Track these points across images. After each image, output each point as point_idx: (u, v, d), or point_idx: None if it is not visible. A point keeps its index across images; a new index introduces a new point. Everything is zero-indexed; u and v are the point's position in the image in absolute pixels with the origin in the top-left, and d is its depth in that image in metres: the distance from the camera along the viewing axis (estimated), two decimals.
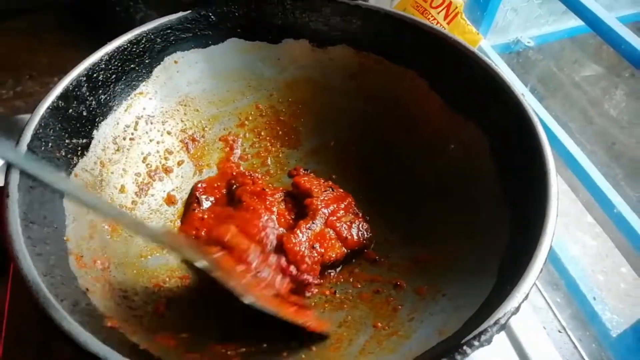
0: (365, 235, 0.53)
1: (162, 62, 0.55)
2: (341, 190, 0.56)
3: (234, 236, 0.49)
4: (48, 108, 0.44)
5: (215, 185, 0.58)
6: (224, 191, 0.58)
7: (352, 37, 0.58)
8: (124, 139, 0.52)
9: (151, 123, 0.55)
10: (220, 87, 0.60)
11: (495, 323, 0.34)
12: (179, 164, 0.57)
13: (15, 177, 0.39)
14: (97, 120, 0.50)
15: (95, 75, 0.49)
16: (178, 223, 0.55)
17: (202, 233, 0.52)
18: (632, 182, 0.78)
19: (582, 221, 0.73)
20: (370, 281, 0.50)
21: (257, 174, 0.59)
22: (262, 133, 0.62)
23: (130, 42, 0.51)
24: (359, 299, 0.49)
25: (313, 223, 0.51)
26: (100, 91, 0.50)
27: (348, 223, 0.52)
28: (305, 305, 0.47)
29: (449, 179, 0.52)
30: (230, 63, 0.59)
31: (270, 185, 0.58)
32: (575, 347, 0.59)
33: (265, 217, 0.52)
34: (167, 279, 0.49)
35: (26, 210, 0.39)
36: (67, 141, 0.46)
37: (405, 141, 0.57)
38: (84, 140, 0.48)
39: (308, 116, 0.62)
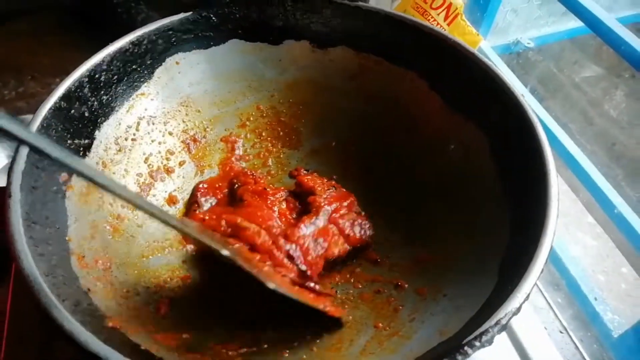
0: (368, 233, 0.53)
1: (163, 63, 0.55)
2: (344, 190, 0.56)
3: (244, 220, 0.49)
4: (50, 109, 0.44)
5: (217, 185, 0.58)
6: (225, 191, 0.58)
7: (352, 38, 0.58)
8: (126, 139, 0.53)
9: (153, 124, 0.55)
10: (221, 88, 0.60)
11: (497, 323, 0.34)
12: (181, 164, 0.57)
13: (17, 177, 0.39)
14: (99, 120, 0.50)
15: (97, 76, 0.49)
16: None
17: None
18: (632, 182, 0.78)
19: (583, 221, 0.73)
20: (371, 281, 0.50)
21: (258, 174, 0.60)
22: (263, 134, 0.62)
23: (132, 43, 0.51)
24: (360, 300, 0.49)
25: (317, 219, 0.51)
26: (102, 92, 0.50)
27: (351, 221, 0.53)
28: (322, 292, 0.47)
29: (449, 179, 0.52)
30: (231, 64, 0.59)
31: (271, 185, 0.58)
32: (577, 347, 0.59)
33: (266, 216, 0.52)
34: (169, 279, 0.49)
35: (28, 211, 0.39)
36: (69, 142, 0.46)
37: (405, 141, 0.57)
38: (86, 141, 0.48)
39: (309, 117, 0.62)
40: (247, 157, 0.61)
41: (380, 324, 0.44)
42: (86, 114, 0.48)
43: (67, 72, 0.47)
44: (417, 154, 0.56)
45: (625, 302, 0.64)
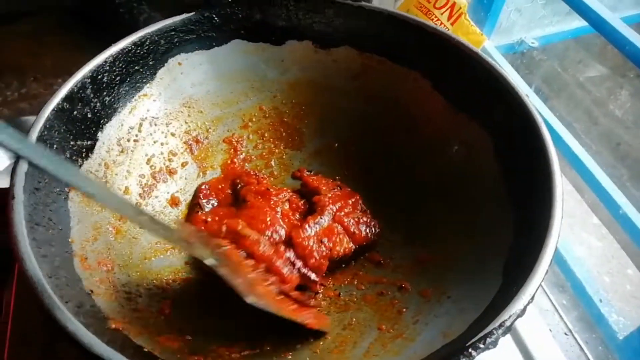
0: (374, 231, 0.53)
1: (166, 64, 0.55)
2: (349, 189, 0.56)
3: (245, 227, 0.49)
4: (53, 110, 0.44)
5: (219, 186, 0.58)
6: (228, 192, 0.58)
7: (355, 38, 0.58)
8: (128, 140, 0.52)
9: (155, 125, 0.55)
10: (223, 89, 0.60)
11: (501, 325, 0.33)
12: (183, 165, 0.57)
13: (20, 178, 0.39)
14: (101, 122, 0.50)
15: (99, 77, 0.49)
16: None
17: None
18: (637, 182, 0.77)
19: (588, 222, 0.72)
20: (375, 283, 0.50)
21: (261, 175, 0.60)
22: (266, 134, 0.62)
23: (134, 44, 0.51)
24: (364, 301, 0.48)
25: (321, 218, 0.51)
26: (105, 93, 0.50)
27: (356, 219, 0.52)
28: (307, 302, 0.47)
29: (450, 179, 0.52)
30: (233, 64, 0.59)
31: (274, 186, 0.58)
32: (582, 349, 0.58)
33: (269, 218, 0.52)
34: (171, 281, 0.49)
35: (31, 212, 0.39)
36: (71, 143, 0.46)
37: (405, 141, 0.57)
38: (89, 142, 0.48)
39: (311, 117, 0.62)
40: (249, 158, 0.61)
41: (384, 326, 0.44)
42: (89, 115, 0.48)
43: (69, 73, 0.47)
44: (418, 154, 0.56)
45: (631, 304, 0.64)
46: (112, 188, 0.50)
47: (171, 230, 0.41)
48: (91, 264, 0.43)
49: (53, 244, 0.40)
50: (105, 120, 0.50)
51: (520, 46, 0.88)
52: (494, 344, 0.33)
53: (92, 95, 0.48)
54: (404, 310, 0.46)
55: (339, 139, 0.61)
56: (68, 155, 0.46)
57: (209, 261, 0.41)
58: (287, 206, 0.54)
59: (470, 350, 0.33)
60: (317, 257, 0.49)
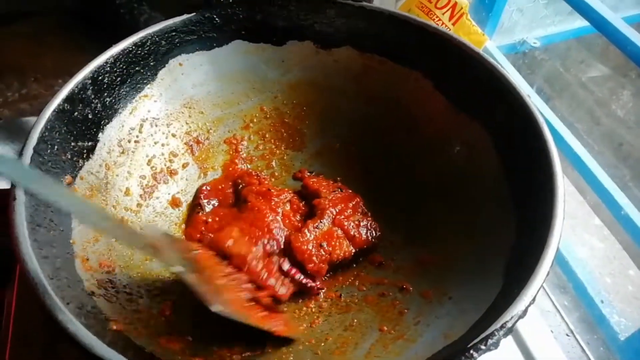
0: (374, 234, 0.53)
1: (166, 65, 0.55)
2: (350, 191, 0.56)
3: (236, 241, 0.48)
4: (54, 111, 0.44)
5: (220, 187, 0.58)
6: (229, 192, 0.58)
7: (356, 38, 0.57)
8: (129, 141, 0.52)
9: (156, 125, 0.55)
10: (224, 89, 0.60)
11: (502, 327, 0.33)
12: (184, 166, 0.57)
13: None
14: (102, 123, 0.50)
15: (100, 78, 0.49)
16: (183, 226, 0.55)
17: (206, 236, 0.52)
18: (639, 183, 0.77)
19: (590, 223, 0.72)
20: (376, 284, 0.50)
21: (262, 175, 0.60)
22: (267, 135, 0.62)
23: (135, 44, 0.51)
24: (365, 303, 0.48)
25: (321, 222, 0.51)
26: (106, 94, 0.50)
27: (356, 222, 0.52)
28: (277, 309, 0.46)
29: (450, 179, 0.52)
30: (234, 65, 0.59)
31: (275, 187, 0.58)
32: (583, 350, 0.58)
33: (270, 218, 0.52)
34: (173, 282, 0.49)
35: (32, 213, 0.39)
36: (72, 144, 0.46)
37: (409, 142, 0.57)
38: (90, 143, 0.48)
39: (312, 118, 0.62)
40: (250, 159, 0.61)
41: (385, 327, 0.44)
42: (89, 116, 0.48)
43: (69, 74, 0.47)
44: (419, 154, 0.56)
45: (632, 305, 0.63)
46: (111, 189, 0.50)
47: (136, 236, 0.40)
48: (92, 265, 0.43)
49: (54, 245, 0.40)
50: (106, 121, 0.50)
51: (522, 46, 0.88)
52: (496, 345, 0.33)
53: (92, 96, 0.48)
54: (405, 311, 0.45)
55: (340, 139, 0.61)
56: (69, 156, 0.46)
57: (176, 268, 0.40)
58: (288, 207, 0.54)
59: (471, 351, 0.33)
60: (317, 262, 0.49)
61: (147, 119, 0.54)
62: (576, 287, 0.63)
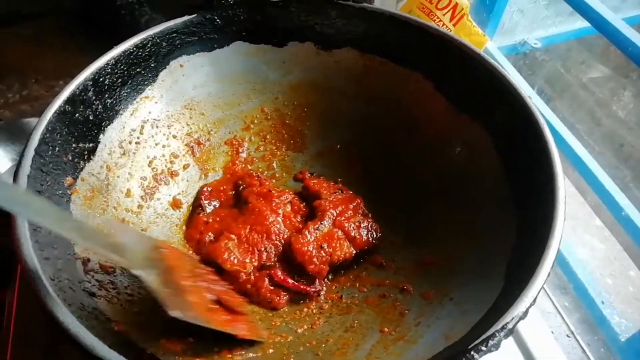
0: (375, 235, 0.53)
1: (167, 66, 0.55)
2: (350, 192, 0.56)
3: (231, 254, 0.49)
4: (55, 112, 0.44)
5: (221, 188, 0.58)
6: (230, 193, 0.58)
7: (357, 39, 0.57)
8: (130, 142, 0.53)
9: (157, 127, 0.55)
10: (225, 91, 0.60)
11: (503, 328, 0.33)
12: (185, 167, 0.57)
13: (22, 181, 0.40)
14: (103, 124, 0.50)
15: (101, 79, 0.49)
16: (184, 227, 0.55)
17: (206, 238, 0.52)
18: None
19: (590, 224, 0.72)
20: (377, 285, 0.50)
21: (263, 176, 0.60)
22: (268, 136, 0.62)
23: (136, 46, 0.51)
24: (366, 304, 0.48)
25: (321, 224, 0.51)
26: (107, 95, 0.50)
27: (357, 223, 0.52)
28: (242, 311, 0.46)
29: (453, 180, 0.52)
30: (235, 66, 0.59)
31: (276, 188, 0.58)
32: (584, 351, 0.58)
33: (271, 219, 0.52)
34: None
35: None
36: (73, 145, 0.46)
37: (410, 142, 0.57)
38: (91, 145, 0.48)
39: (313, 119, 0.62)
40: (251, 160, 0.61)
41: (386, 329, 0.44)
42: (91, 118, 0.48)
43: (70, 75, 0.47)
44: (420, 155, 0.56)
45: (633, 306, 0.63)
46: (112, 191, 0.50)
47: (97, 235, 0.38)
48: (93, 266, 0.43)
49: (55, 247, 0.40)
50: (107, 122, 0.50)
51: (523, 47, 0.88)
52: (496, 346, 0.33)
53: (93, 98, 0.48)
54: (406, 312, 0.45)
55: (341, 140, 0.61)
56: (70, 158, 0.46)
57: (136, 271, 0.39)
58: (289, 208, 0.54)
59: (472, 352, 0.33)
60: (317, 263, 0.49)
61: (148, 120, 0.54)
62: (577, 288, 0.63)
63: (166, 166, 0.56)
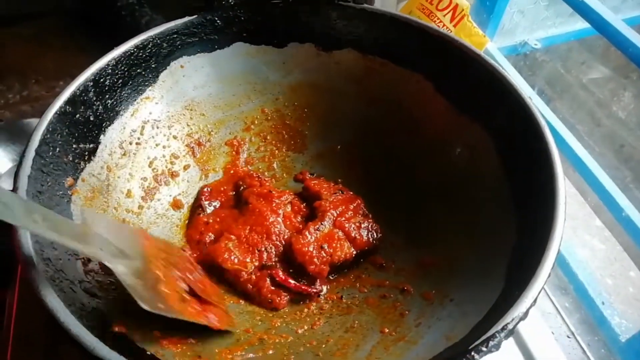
0: (375, 236, 0.53)
1: (168, 67, 0.55)
2: (351, 193, 0.56)
3: (231, 254, 0.49)
4: (56, 113, 0.44)
5: (222, 189, 0.58)
6: (230, 194, 0.58)
7: (357, 40, 0.58)
8: (131, 143, 0.53)
9: (157, 127, 0.55)
10: (226, 91, 0.60)
11: (503, 328, 0.33)
12: (185, 168, 0.57)
13: (23, 182, 0.40)
14: (103, 125, 0.50)
15: (102, 80, 0.49)
16: (184, 228, 0.55)
17: (207, 238, 0.52)
18: None
19: (591, 225, 0.72)
20: (377, 286, 0.50)
21: (264, 177, 0.60)
22: (268, 137, 0.62)
23: (136, 46, 0.51)
24: (366, 304, 0.48)
25: (321, 224, 0.51)
26: (107, 96, 0.50)
27: (357, 224, 0.52)
28: (213, 300, 0.45)
29: (452, 181, 0.52)
30: (236, 67, 0.59)
31: (276, 189, 0.58)
32: (584, 352, 0.58)
33: (271, 219, 0.52)
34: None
35: None
36: (74, 146, 0.46)
37: (410, 143, 0.57)
38: (91, 145, 0.48)
39: (314, 120, 0.62)
40: (251, 161, 0.61)
41: (386, 329, 0.44)
42: (91, 118, 0.48)
43: (71, 76, 0.47)
44: (420, 156, 0.56)
45: (633, 306, 0.63)
46: (113, 191, 0.50)
47: (66, 225, 0.36)
48: (94, 267, 0.43)
49: (56, 247, 0.40)
50: (108, 123, 0.50)
51: (523, 48, 0.88)
52: (497, 347, 0.33)
53: (94, 98, 0.48)
54: (407, 313, 0.45)
55: (341, 141, 0.61)
56: (71, 158, 0.46)
57: (109, 263, 0.38)
58: (289, 209, 0.54)
59: (472, 353, 0.33)
60: (318, 263, 0.49)
61: (148, 121, 0.54)
62: (577, 289, 0.63)
63: (167, 167, 0.56)
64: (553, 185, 0.40)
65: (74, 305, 0.36)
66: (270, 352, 0.43)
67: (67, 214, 0.43)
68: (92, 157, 0.48)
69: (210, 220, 0.54)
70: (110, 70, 0.50)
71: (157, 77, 0.55)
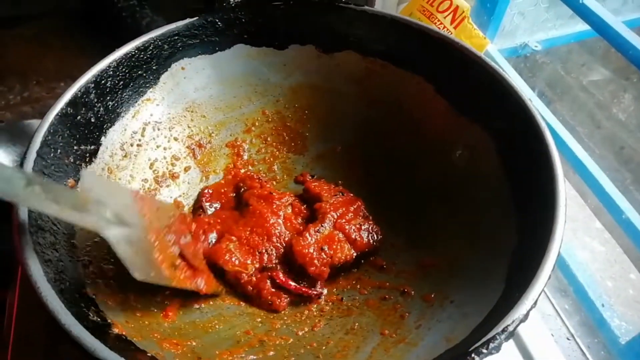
0: (375, 238, 0.53)
1: (169, 69, 0.55)
2: (351, 195, 0.56)
3: (232, 255, 0.49)
4: (57, 115, 0.44)
5: (222, 190, 0.58)
6: (231, 196, 0.58)
7: (358, 42, 0.58)
8: (131, 145, 0.53)
9: (158, 129, 0.55)
10: (226, 93, 0.60)
11: (504, 330, 0.33)
12: (186, 170, 0.57)
13: None
14: (104, 126, 0.50)
15: (103, 82, 0.49)
16: None
17: (207, 240, 0.53)
18: None
19: (591, 227, 0.72)
20: (378, 288, 0.50)
21: (264, 178, 0.60)
22: (269, 139, 0.62)
23: (137, 48, 0.52)
24: (366, 306, 0.48)
25: (322, 226, 0.51)
26: (108, 98, 0.50)
27: (357, 225, 0.53)
28: (199, 266, 0.46)
29: (454, 183, 0.52)
30: (236, 69, 0.59)
31: (277, 190, 0.58)
32: (584, 354, 0.58)
33: (272, 221, 0.52)
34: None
35: (35, 217, 0.39)
36: (75, 148, 0.46)
37: (410, 145, 0.57)
38: (92, 147, 0.48)
39: (314, 121, 0.62)
40: (252, 163, 0.61)
41: (387, 331, 0.44)
42: (92, 120, 0.48)
43: (71, 77, 0.47)
44: (421, 158, 0.56)
45: (633, 309, 0.63)
46: None
47: (64, 194, 0.36)
48: (94, 268, 0.43)
49: (57, 249, 0.40)
50: (109, 124, 0.50)
51: (524, 49, 0.88)
52: (497, 349, 0.33)
53: (95, 100, 0.49)
54: (407, 315, 0.46)
55: (342, 143, 0.61)
56: (72, 160, 0.46)
57: (105, 233, 0.37)
58: (289, 210, 0.54)
59: (473, 355, 0.33)
60: (318, 265, 0.49)
61: (149, 122, 0.54)
62: (577, 291, 0.63)
63: (167, 168, 0.56)
64: (553, 187, 0.40)
65: (75, 307, 0.36)
66: (271, 353, 0.43)
67: None
68: (93, 159, 0.48)
69: (211, 222, 0.54)
70: (111, 72, 0.50)
71: (158, 78, 0.55)
